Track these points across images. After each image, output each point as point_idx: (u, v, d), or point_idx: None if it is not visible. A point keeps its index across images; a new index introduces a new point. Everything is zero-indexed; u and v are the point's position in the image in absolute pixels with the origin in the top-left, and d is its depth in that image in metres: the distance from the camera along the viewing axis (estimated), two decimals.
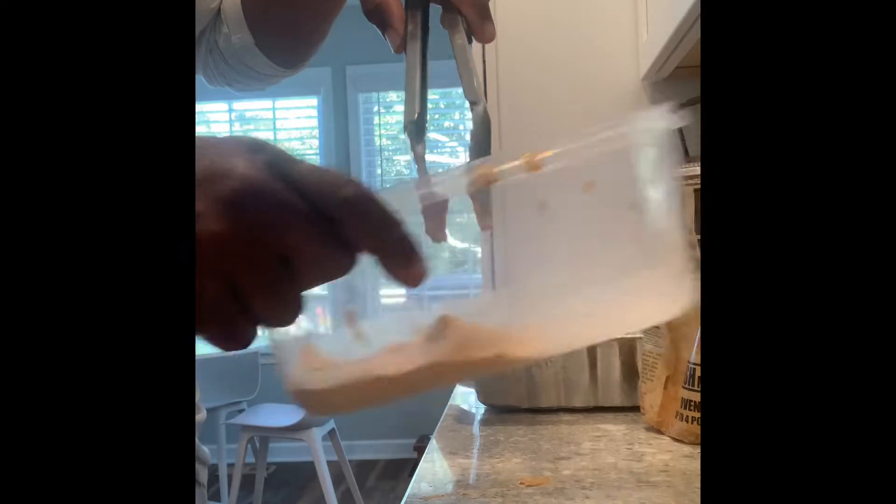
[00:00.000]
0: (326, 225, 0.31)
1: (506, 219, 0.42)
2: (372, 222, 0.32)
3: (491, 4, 0.54)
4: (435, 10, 0.50)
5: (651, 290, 0.38)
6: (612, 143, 0.36)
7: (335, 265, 0.32)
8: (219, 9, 0.67)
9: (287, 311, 0.32)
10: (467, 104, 0.46)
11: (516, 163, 0.35)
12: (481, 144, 0.44)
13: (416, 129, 0.45)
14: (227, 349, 0.32)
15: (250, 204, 0.30)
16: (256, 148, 0.32)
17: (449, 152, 3.99)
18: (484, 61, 1.48)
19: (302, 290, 0.32)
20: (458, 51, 0.48)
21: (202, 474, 0.67)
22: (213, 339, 0.32)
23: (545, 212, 0.39)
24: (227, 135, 0.33)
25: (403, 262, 0.33)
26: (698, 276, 0.37)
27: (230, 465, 2.99)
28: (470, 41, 0.49)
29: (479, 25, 0.49)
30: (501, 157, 0.35)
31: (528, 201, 0.43)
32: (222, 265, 0.30)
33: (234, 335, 0.32)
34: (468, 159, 0.44)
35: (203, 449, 0.68)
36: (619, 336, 0.37)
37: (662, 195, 0.37)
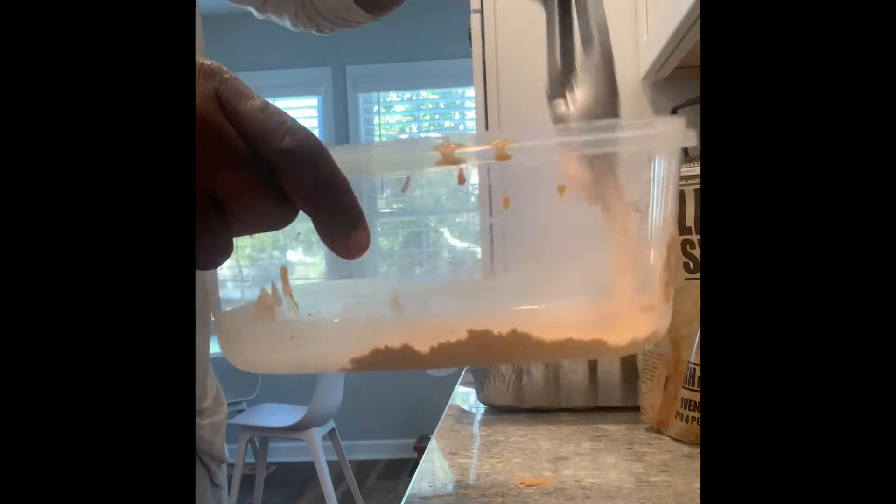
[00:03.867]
0: (266, 171, 0.29)
1: (506, 219, 0.42)
2: (310, 179, 0.29)
3: (490, 4, 0.53)
4: None
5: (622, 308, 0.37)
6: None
7: (270, 216, 0.30)
8: None
9: (211, 251, 0.30)
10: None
11: (486, 148, 0.32)
12: (603, 101, 0.37)
13: (555, 85, 0.39)
14: None
15: None
16: (209, 73, 0.30)
17: None
18: (484, 61, 1.48)
19: (233, 235, 0.30)
20: None
21: (220, 476, 0.66)
22: None
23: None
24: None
25: (341, 229, 0.30)
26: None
27: (230, 465, 2.99)
28: None
29: None
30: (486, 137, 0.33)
31: (530, 202, 0.42)
32: None
33: None
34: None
35: (223, 450, 0.67)
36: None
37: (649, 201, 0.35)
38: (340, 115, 3.97)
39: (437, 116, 4.06)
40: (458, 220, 0.46)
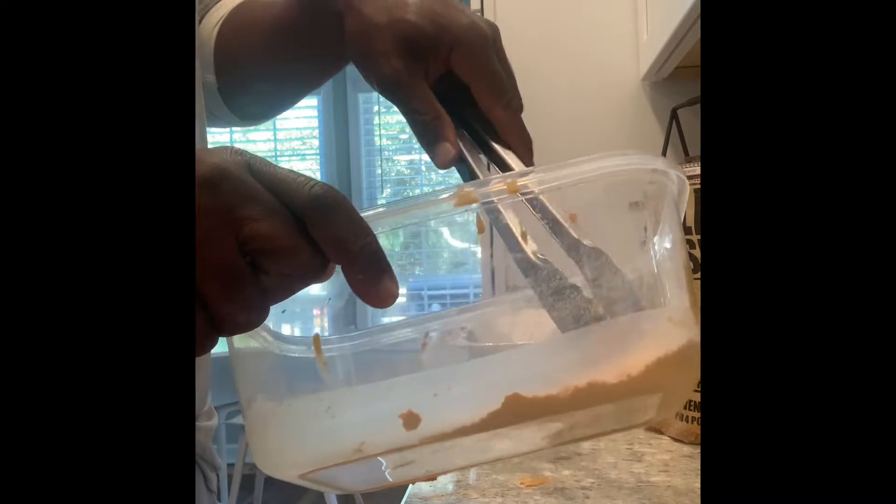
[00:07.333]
0: (296, 224, 0.31)
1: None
2: (338, 225, 0.31)
3: (491, 5, 0.53)
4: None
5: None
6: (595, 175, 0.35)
7: (303, 269, 0.31)
8: None
9: (248, 312, 0.31)
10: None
11: (498, 187, 0.34)
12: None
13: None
14: None
15: (218, 189, 0.30)
16: (237, 151, 0.32)
17: None
18: None
19: (267, 295, 0.31)
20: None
21: (214, 482, 0.66)
22: None
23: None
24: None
25: (371, 277, 0.31)
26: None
27: (230, 465, 2.99)
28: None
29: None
30: (485, 182, 0.34)
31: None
32: None
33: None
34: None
35: (216, 456, 0.67)
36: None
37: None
38: (340, 115, 3.97)
39: None
40: (458, 219, 0.46)
